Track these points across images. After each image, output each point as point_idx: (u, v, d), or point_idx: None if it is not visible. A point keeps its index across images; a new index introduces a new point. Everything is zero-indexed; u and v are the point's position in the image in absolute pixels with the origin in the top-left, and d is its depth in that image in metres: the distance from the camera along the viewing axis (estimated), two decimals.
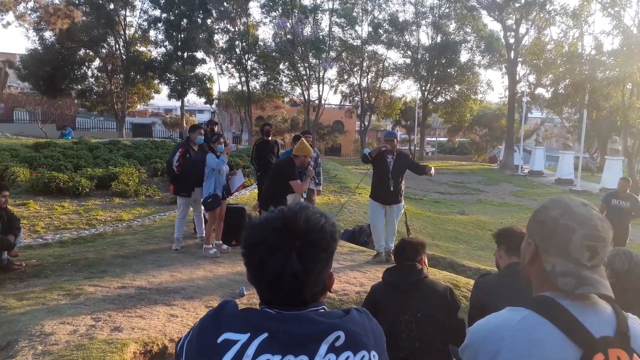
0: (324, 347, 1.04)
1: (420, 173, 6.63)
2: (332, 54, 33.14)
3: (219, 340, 1.05)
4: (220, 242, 6.99)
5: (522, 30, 30.62)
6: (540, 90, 34.72)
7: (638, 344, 1.12)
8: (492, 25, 42.66)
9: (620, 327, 1.13)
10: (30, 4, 25.13)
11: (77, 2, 29.28)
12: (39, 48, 29.79)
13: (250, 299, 4.99)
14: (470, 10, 32.89)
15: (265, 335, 1.04)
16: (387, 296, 2.96)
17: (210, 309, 1.14)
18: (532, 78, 33.59)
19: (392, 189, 6.42)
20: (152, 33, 33.58)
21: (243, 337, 1.04)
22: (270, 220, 1.09)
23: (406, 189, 7.09)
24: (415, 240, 3.23)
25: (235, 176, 7.11)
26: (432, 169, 6.50)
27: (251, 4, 33.11)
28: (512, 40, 30.71)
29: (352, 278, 5.89)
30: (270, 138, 8.52)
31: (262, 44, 32.96)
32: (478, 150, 42.25)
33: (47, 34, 29.45)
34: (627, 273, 3.03)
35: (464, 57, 35.94)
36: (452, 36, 35.07)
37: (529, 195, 20.29)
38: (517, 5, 29.38)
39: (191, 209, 7.28)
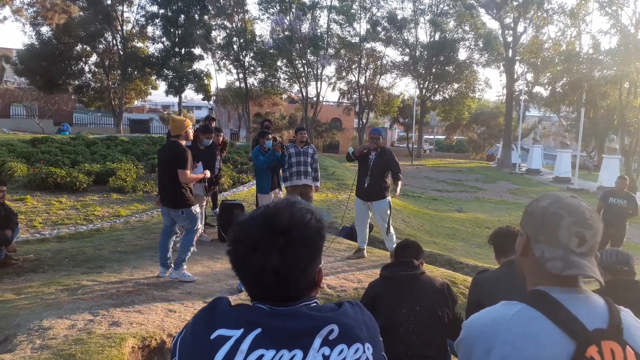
0: (317, 341, 1.03)
1: (394, 178, 6.53)
2: (330, 51, 33.08)
3: (213, 336, 1.04)
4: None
5: (520, 28, 30.64)
6: (538, 89, 34.71)
7: (631, 336, 1.14)
8: (491, 23, 42.92)
9: (614, 319, 1.14)
10: None
11: None
12: (36, 43, 29.65)
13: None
14: (469, 8, 32.84)
15: (258, 330, 1.04)
16: (386, 290, 2.99)
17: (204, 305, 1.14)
18: (529, 76, 33.60)
19: (366, 185, 6.42)
20: (149, 29, 33.60)
21: (236, 333, 1.04)
22: (255, 217, 1.10)
23: (403, 186, 7.03)
24: (417, 243, 3.31)
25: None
26: (398, 189, 6.54)
27: (248, 0, 33.05)
28: (510, 39, 30.70)
29: (350, 274, 5.92)
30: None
31: (259, 40, 32.90)
32: (476, 148, 42.31)
33: (44, 29, 29.38)
34: (622, 272, 3.07)
35: (462, 55, 36.16)
36: (450, 34, 35.02)
37: (526, 193, 20.33)
38: (515, 3, 29.35)
39: None
